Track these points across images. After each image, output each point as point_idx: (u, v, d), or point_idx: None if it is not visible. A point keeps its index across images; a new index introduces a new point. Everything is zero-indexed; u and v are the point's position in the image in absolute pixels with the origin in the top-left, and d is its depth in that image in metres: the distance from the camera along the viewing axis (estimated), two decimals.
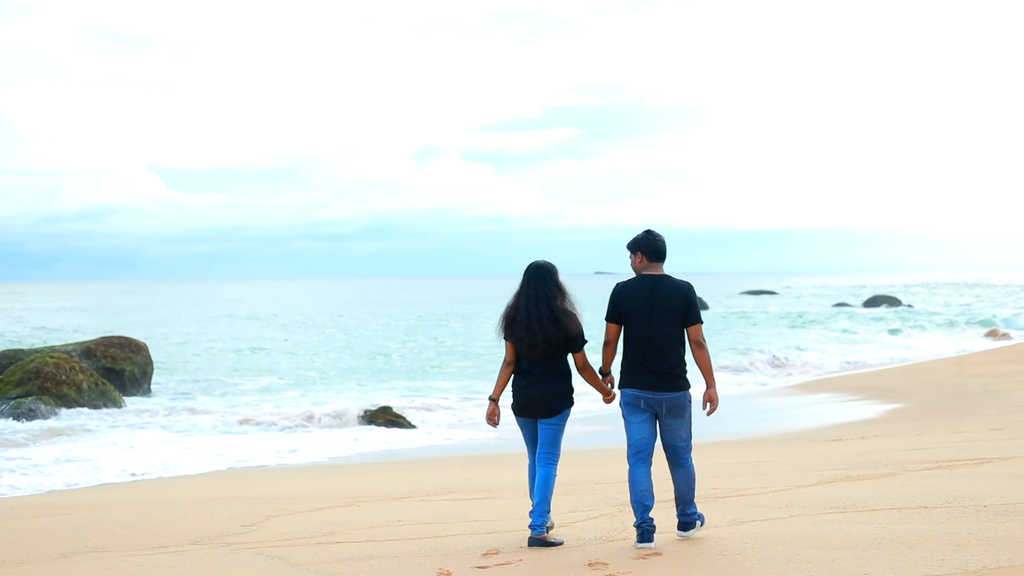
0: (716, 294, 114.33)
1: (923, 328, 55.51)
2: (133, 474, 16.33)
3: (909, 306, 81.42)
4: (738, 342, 46.63)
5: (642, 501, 7.94)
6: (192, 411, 25.65)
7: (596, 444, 16.89)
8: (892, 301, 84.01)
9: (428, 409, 25.66)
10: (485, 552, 8.00)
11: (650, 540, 7.92)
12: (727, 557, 7.59)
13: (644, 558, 7.64)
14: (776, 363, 37.20)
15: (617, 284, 8.15)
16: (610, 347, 8.16)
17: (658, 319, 7.92)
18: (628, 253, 8.21)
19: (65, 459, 17.67)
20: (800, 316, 70.73)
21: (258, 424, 23.25)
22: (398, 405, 25.06)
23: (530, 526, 8.14)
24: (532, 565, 7.57)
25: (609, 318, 8.08)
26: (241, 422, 23.46)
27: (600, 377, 8.33)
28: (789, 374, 34.40)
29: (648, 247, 8.09)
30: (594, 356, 8.09)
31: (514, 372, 8.31)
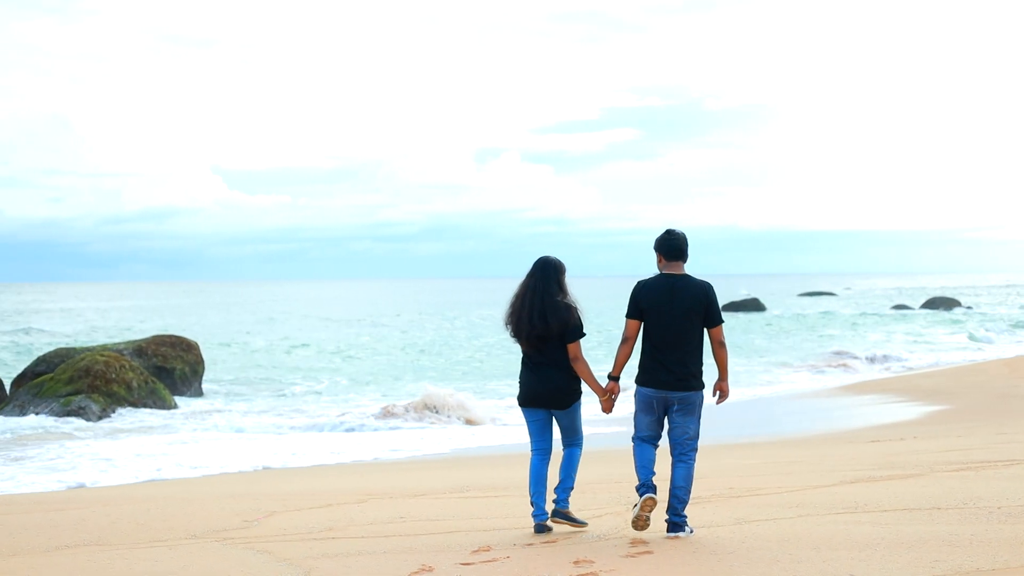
0: (775, 295, 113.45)
1: (981, 329, 54.63)
2: (159, 469, 16.51)
3: (968, 308, 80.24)
4: (797, 345, 46.32)
5: (646, 467, 8.13)
6: (238, 410, 25.91)
7: (614, 445, 16.85)
8: (951, 303, 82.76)
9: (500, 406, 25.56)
10: (476, 549, 7.98)
11: (653, 492, 8.00)
12: (717, 556, 7.51)
13: (632, 556, 7.57)
14: (835, 364, 37.05)
15: (638, 282, 8.24)
16: (628, 343, 8.19)
17: (677, 318, 8.04)
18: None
19: (101, 456, 17.92)
20: (859, 317, 70.02)
21: (305, 424, 23.32)
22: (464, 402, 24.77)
23: (554, 501, 8.35)
24: (516, 563, 7.52)
25: (629, 315, 8.17)
26: (284, 422, 23.61)
27: (594, 376, 8.43)
28: (846, 373, 34.20)
29: (666, 247, 8.20)
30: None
31: (521, 364, 8.54)
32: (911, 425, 19.07)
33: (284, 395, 30.92)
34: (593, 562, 7.41)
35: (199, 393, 29.60)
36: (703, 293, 8.08)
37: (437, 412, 23.55)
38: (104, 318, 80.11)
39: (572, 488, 8.42)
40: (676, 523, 8.13)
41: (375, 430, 22.25)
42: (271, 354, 45.61)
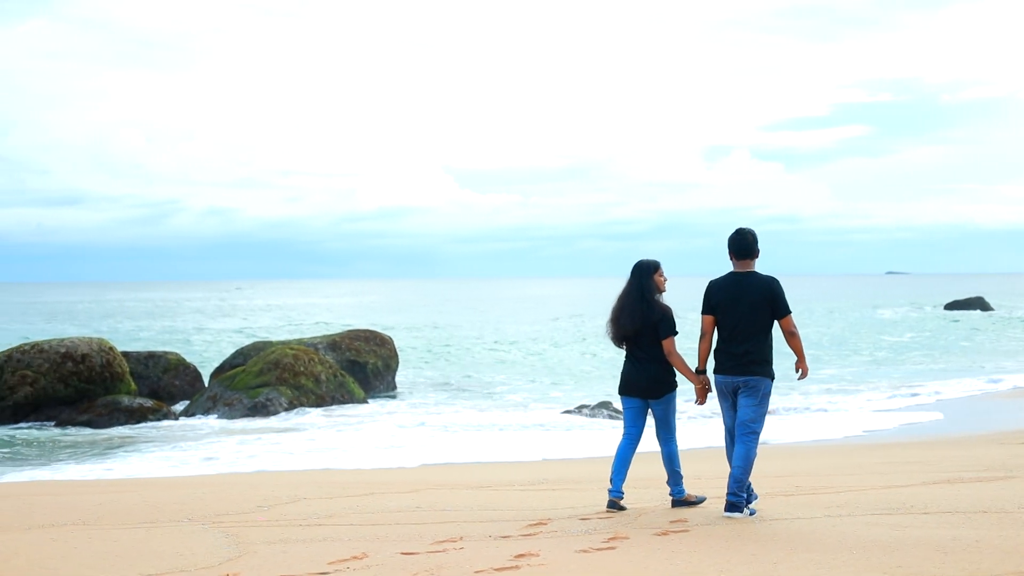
0: (1008, 295, 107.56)
1: None
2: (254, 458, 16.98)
3: None
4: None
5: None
6: (417, 408, 25.76)
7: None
8: None
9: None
10: (442, 539, 8.10)
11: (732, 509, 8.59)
12: (695, 553, 7.42)
13: (584, 552, 7.53)
14: None
15: (710, 281, 8.84)
16: (705, 339, 8.82)
17: (742, 311, 8.59)
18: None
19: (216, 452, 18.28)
20: None
21: (482, 422, 22.96)
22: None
23: (670, 494, 9.25)
24: (460, 555, 7.52)
25: (703, 311, 8.82)
26: (461, 419, 23.28)
27: (688, 367, 9.06)
28: None
29: (734, 246, 8.77)
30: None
31: (624, 359, 9.29)
32: None
33: (476, 393, 30.52)
34: (538, 555, 7.44)
35: (392, 387, 29.77)
36: (768, 288, 8.60)
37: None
38: (324, 314, 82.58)
39: (681, 475, 9.21)
40: (732, 503, 8.57)
41: (548, 429, 21.70)
42: (473, 351, 45.67)
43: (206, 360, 35.69)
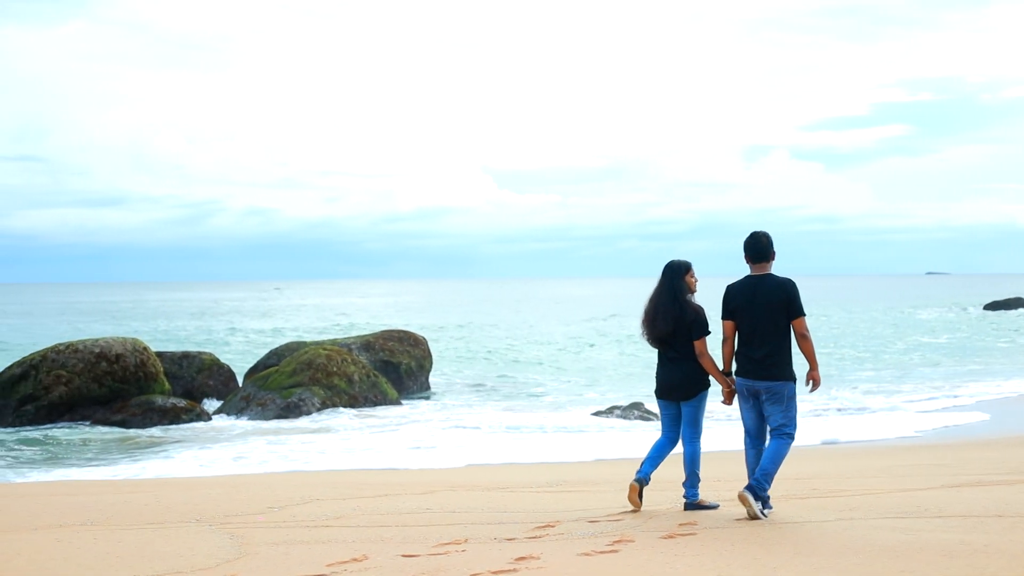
0: None
1: None
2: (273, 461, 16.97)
3: None
4: None
5: (750, 467, 8.93)
6: (448, 410, 25.74)
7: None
8: None
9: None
10: (446, 542, 8.09)
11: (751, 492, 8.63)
12: (698, 556, 7.38)
13: (585, 555, 7.48)
14: None
15: (727, 285, 8.94)
16: (727, 342, 8.95)
17: (759, 314, 8.68)
18: None
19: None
20: None
21: (520, 425, 22.74)
22: None
23: (684, 496, 9.32)
24: (461, 557, 7.50)
25: (722, 316, 8.93)
26: (495, 424, 23.15)
27: (718, 369, 9.09)
28: None
29: (749, 249, 8.88)
30: None
31: (657, 360, 9.36)
32: None
33: (508, 394, 30.44)
34: (538, 558, 7.40)
35: (426, 387, 29.79)
36: (783, 290, 8.69)
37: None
38: (358, 315, 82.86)
39: (699, 478, 9.26)
40: (752, 487, 8.60)
41: (575, 431, 21.62)
42: (509, 351, 45.59)
43: (242, 360, 35.88)
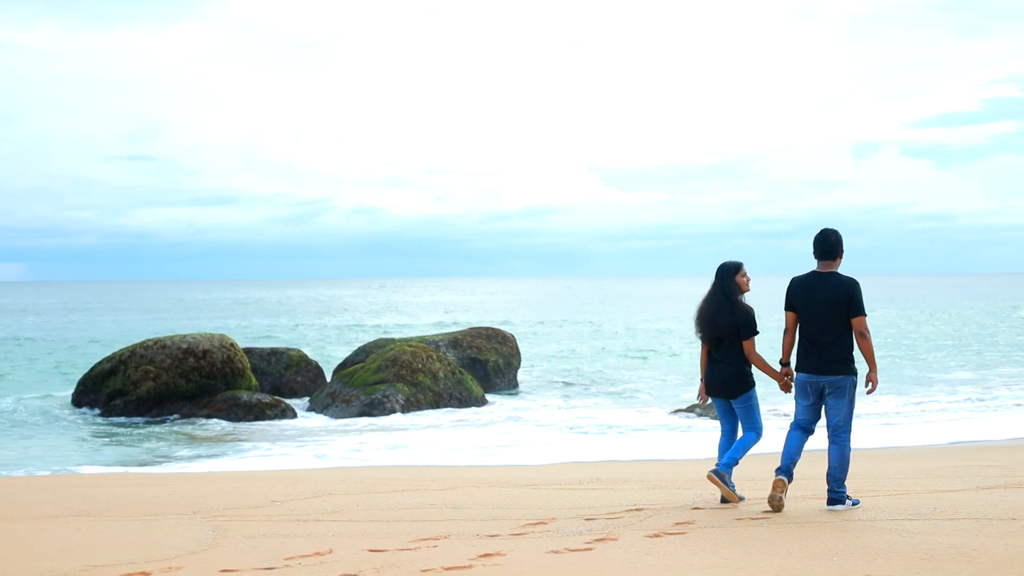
0: None
1: None
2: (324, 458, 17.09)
3: None
4: None
5: (789, 453, 8.99)
6: (531, 409, 25.61)
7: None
8: None
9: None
10: (424, 537, 8.04)
11: (784, 474, 8.91)
12: (671, 556, 7.26)
13: (555, 553, 7.38)
14: None
15: (792, 279, 9.12)
16: (788, 333, 9.12)
17: (823, 311, 8.84)
18: None
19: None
20: None
21: (598, 423, 22.52)
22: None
23: (716, 464, 9.44)
24: (426, 553, 7.45)
25: (785, 307, 9.11)
26: (567, 426, 22.92)
27: (768, 365, 9.39)
28: None
29: (816, 247, 9.06)
30: None
31: (708, 359, 9.63)
32: None
33: (590, 390, 30.16)
34: (504, 555, 7.32)
35: (514, 385, 29.76)
36: (845, 289, 8.84)
37: None
38: (467, 312, 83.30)
39: (736, 462, 9.39)
40: (833, 498, 8.93)
41: (656, 429, 21.33)
42: (607, 349, 45.21)
43: (331, 356, 36.33)
